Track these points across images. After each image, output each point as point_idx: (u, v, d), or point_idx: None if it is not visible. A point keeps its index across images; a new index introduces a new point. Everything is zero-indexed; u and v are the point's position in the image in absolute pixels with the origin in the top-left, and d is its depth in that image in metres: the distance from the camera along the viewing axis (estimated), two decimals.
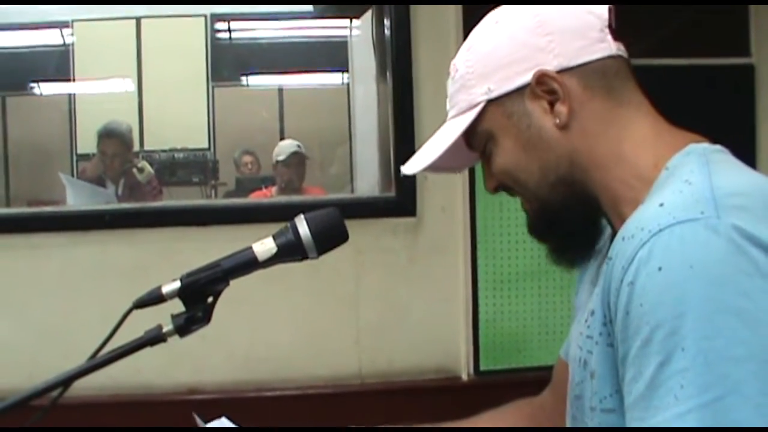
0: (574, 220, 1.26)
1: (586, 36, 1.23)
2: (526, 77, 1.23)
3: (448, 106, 1.35)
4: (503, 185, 1.32)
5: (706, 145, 1.18)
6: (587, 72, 1.22)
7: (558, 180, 1.24)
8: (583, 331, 1.23)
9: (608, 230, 1.31)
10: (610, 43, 1.24)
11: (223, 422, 1.50)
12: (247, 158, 6.47)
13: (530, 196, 1.29)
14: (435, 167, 1.34)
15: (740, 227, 1.01)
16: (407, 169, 1.37)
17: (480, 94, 1.26)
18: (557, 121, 1.22)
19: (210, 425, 1.47)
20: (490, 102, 1.26)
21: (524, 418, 1.59)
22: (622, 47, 1.26)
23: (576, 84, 1.22)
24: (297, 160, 4.92)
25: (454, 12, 2.62)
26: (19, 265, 2.54)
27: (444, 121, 1.36)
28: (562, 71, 1.22)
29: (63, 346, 2.38)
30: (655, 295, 1.01)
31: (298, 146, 4.97)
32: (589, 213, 1.26)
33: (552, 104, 1.22)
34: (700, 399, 0.96)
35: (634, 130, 1.22)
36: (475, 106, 1.27)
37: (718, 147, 1.19)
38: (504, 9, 1.30)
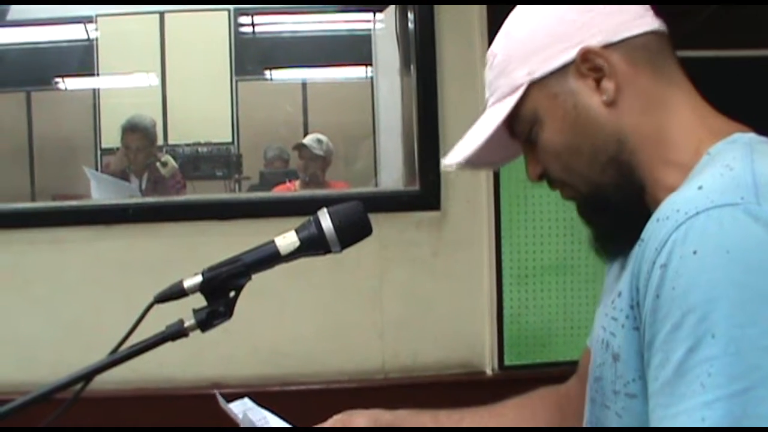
0: (624, 205, 1.22)
1: (627, 11, 1.21)
2: (569, 55, 1.20)
3: (487, 94, 1.32)
4: (548, 173, 1.29)
5: (752, 135, 1.16)
6: (631, 47, 1.20)
7: (608, 161, 1.20)
8: (609, 313, 1.21)
9: None
10: (652, 17, 1.22)
11: (246, 403, 1.50)
12: (279, 164, 6.44)
13: (579, 181, 1.24)
14: (475, 161, 1.31)
15: None
16: (448, 160, 1.34)
17: (522, 77, 1.23)
18: (604, 98, 1.19)
19: (232, 405, 1.47)
20: (532, 84, 1.23)
21: (549, 405, 1.57)
22: (663, 24, 1.23)
23: (620, 60, 1.19)
24: (308, 154, 4.89)
25: (478, 6, 2.60)
26: (43, 258, 2.55)
27: (480, 113, 1.33)
28: (606, 47, 1.19)
29: (87, 340, 2.38)
30: (688, 278, 0.99)
31: (318, 140, 4.93)
32: (636, 200, 1.21)
33: (598, 81, 1.20)
34: (728, 389, 0.94)
35: (679, 111, 1.19)
36: (517, 89, 1.24)
37: (764, 138, 1.16)
38: None
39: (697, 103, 1.22)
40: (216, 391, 1.47)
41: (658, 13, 1.23)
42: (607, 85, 1.19)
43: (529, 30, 1.24)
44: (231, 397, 1.51)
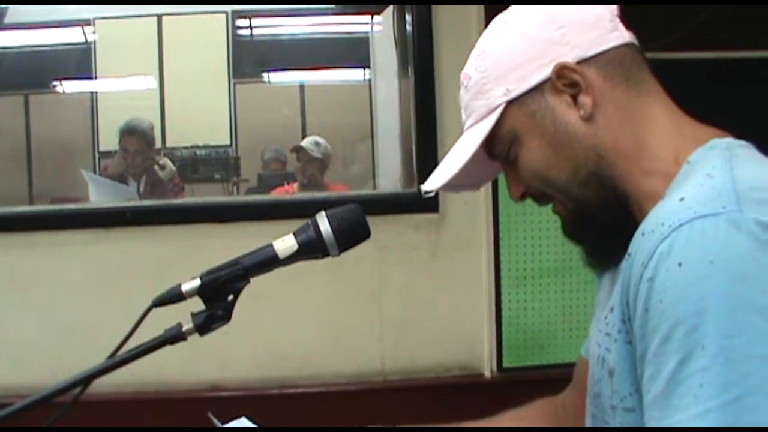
0: (610, 218, 1.22)
1: (599, 26, 1.21)
2: (545, 72, 1.20)
3: (463, 117, 1.31)
4: (531, 191, 1.29)
5: (730, 140, 1.16)
6: (605, 61, 1.20)
7: (588, 175, 1.20)
8: (602, 329, 1.21)
9: None
10: (622, 31, 1.22)
11: (243, 422, 1.49)
12: (277, 165, 6.45)
13: (563, 197, 1.25)
14: (455, 185, 1.30)
15: (763, 222, 0.99)
16: (428, 186, 1.33)
17: (498, 97, 1.23)
18: (582, 113, 1.19)
19: (229, 425, 1.46)
20: (510, 103, 1.23)
21: (545, 417, 1.57)
22: (632, 35, 1.24)
23: (596, 74, 1.19)
24: (306, 157, 4.90)
25: (476, 6, 2.60)
26: (42, 262, 2.55)
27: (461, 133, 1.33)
28: (581, 62, 1.19)
29: (85, 343, 2.39)
30: (675, 291, 0.99)
31: (316, 142, 4.94)
32: (623, 211, 1.22)
33: (574, 97, 1.20)
34: (720, 399, 0.94)
35: (656, 121, 1.20)
36: (495, 109, 1.24)
37: (742, 142, 1.17)
38: (511, 10, 1.28)
39: (673, 111, 1.22)
40: (209, 414, 1.47)
41: (628, 26, 1.24)
42: (584, 100, 1.19)
43: (504, 49, 1.24)
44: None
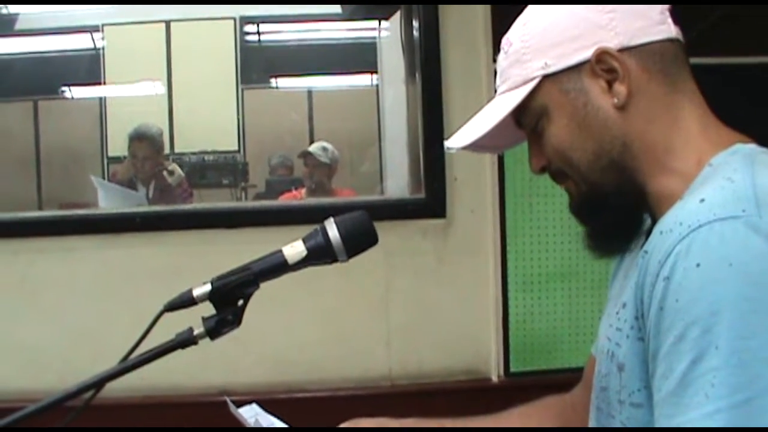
0: (621, 208, 1.23)
1: (648, 16, 1.21)
2: (586, 54, 1.20)
3: (498, 81, 1.32)
4: (550, 166, 1.29)
5: (753, 146, 1.17)
6: (646, 53, 1.20)
7: (610, 163, 1.21)
8: (613, 323, 1.22)
9: (648, 223, 1.28)
10: (670, 25, 1.23)
11: (254, 408, 1.51)
12: (283, 171, 6.46)
13: (580, 178, 1.25)
14: (479, 145, 1.31)
15: None
16: (452, 143, 1.34)
17: (536, 69, 1.24)
18: (615, 101, 1.20)
19: (241, 410, 1.48)
20: (546, 77, 1.23)
21: (553, 415, 1.57)
22: (680, 32, 1.24)
23: (635, 65, 1.20)
24: (314, 162, 4.91)
25: (482, 12, 2.61)
26: (51, 267, 2.56)
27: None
28: (622, 50, 1.19)
29: (95, 348, 2.40)
30: (691, 291, 1.00)
31: (324, 148, 4.95)
32: (636, 203, 1.23)
33: (610, 84, 1.20)
34: (730, 399, 0.95)
35: (685, 121, 1.20)
36: (530, 80, 1.24)
37: (765, 149, 1.17)
38: None
39: (704, 113, 1.23)
40: (226, 398, 1.48)
41: (676, 20, 1.24)
42: (620, 88, 1.19)
43: (549, 23, 1.24)
44: (238, 405, 1.52)
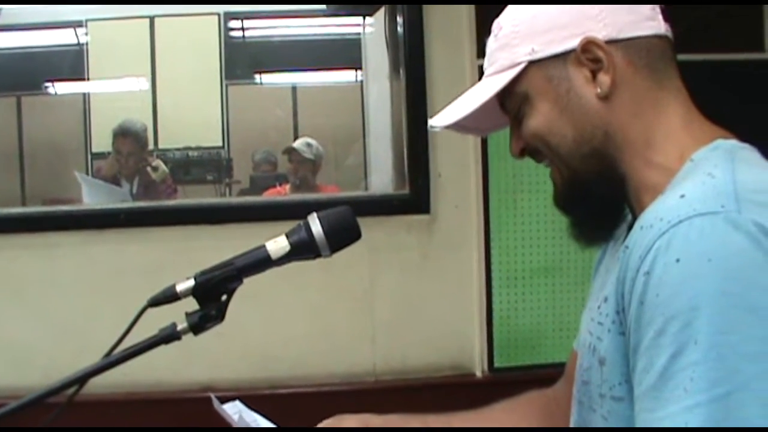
0: (602, 196, 1.24)
1: (638, 11, 1.22)
2: (573, 43, 1.21)
3: (485, 64, 1.33)
4: (530, 149, 1.30)
5: (734, 142, 1.17)
6: (633, 47, 1.21)
7: (591, 151, 1.22)
8: (595, 317, 1.23)
9: (629, 216, 1.29)
10: (660, 22, 1.23)
11: (237, 405, 1.51)
12: (267, 167, 6.45)
13: (561, 164, 1.26)
14: (461, 126, 1.32)
15: (761, 224, 1.00)
16: (435, 122, 1.35)
17: (523, 54, 1.24)
18: (598, 90, 1.20)
19: (225, 407, 1.48)
20: (531, 63, 1.24)
21: (537, 410, 1.58)
22: (669, 29, 1.25)
23: (621, 57, 1.20)
24: (298, 158, 4.90)
25: (467, 9, 2.62)
26: (35, 263, 2.56)
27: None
28: (610, 42, 1.20)
29: (79, 344, 2.39)
30: (671, 286, 1.00)
31: (308, 144, 4.95)
32: (616, 193, 1.24)
33: (594, 74, 1.21)
34: (709, 393, 0.96)
35: (668, 116, 1.21)
36: (516, 65, 1.25)
37: (745, 145, 1.18)
38: None
39: (689, 110, 1.23)
40: (211, 394, 1.48)
41: (667, 18, 1.24)
42: (603, 78, 1.20)
43: (540, 10, 1.25)
44: (222, 401, 1.52)
